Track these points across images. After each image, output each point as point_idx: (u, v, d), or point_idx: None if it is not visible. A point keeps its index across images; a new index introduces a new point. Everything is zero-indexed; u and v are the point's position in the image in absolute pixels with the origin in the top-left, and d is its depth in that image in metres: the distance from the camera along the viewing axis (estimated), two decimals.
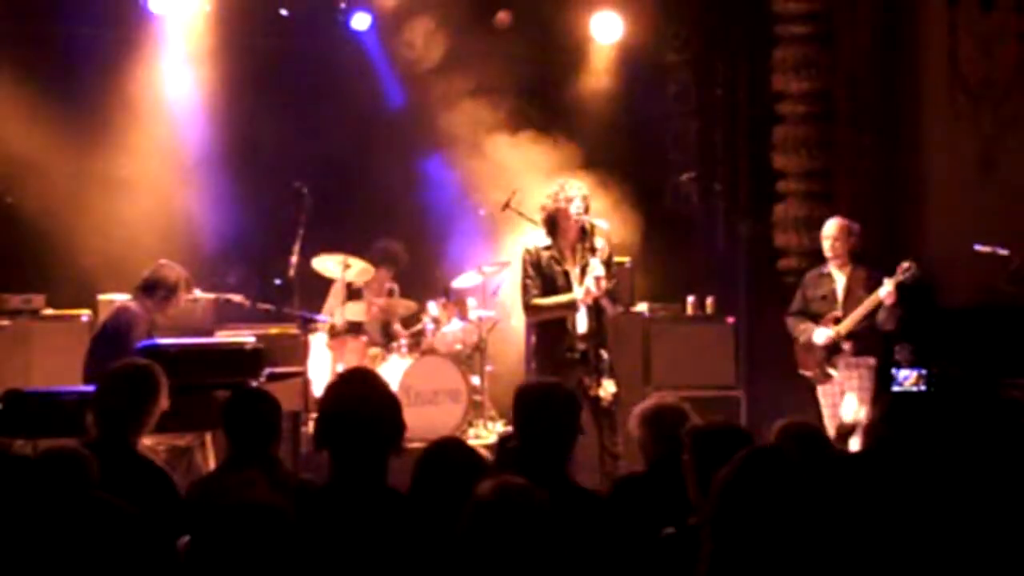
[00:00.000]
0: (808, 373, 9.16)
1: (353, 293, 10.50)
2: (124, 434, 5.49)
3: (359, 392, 4.47)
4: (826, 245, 9.13)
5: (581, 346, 8.11)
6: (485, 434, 10.15)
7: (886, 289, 8.77)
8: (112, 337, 8.33)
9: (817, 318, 9.11)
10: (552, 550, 3.67)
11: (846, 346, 8.94)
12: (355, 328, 10.40)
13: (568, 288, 8.13)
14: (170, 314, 8.60)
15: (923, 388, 8.52)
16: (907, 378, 8.66)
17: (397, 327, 10.59)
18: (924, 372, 8.62)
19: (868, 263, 9.22)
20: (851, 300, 9.02)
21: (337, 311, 10.32)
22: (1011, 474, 5.00)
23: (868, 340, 9.00)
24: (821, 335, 8.99)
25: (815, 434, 5.30)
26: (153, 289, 8.47)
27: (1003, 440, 5.46)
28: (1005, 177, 10.47)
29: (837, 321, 8.99)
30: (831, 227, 9.16)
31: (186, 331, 8.91)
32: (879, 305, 8.84)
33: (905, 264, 8.84)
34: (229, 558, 3.38)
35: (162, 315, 8.53)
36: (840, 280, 9.12)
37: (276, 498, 3.55)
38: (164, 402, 5.71)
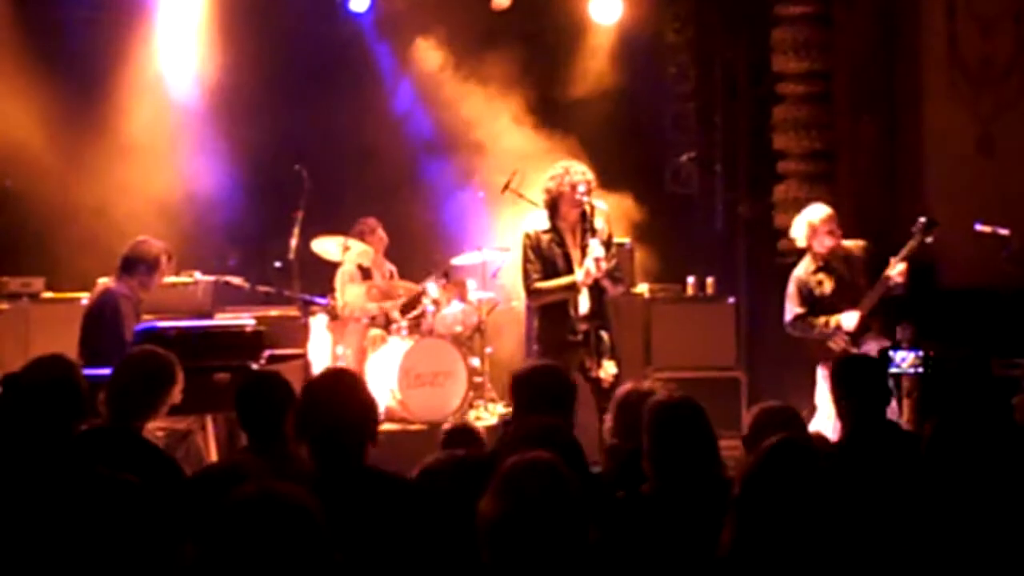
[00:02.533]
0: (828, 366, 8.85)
1: (363, 275, 10.49)
2: (133, 420, 5.49)
3: (330, 395, 4.54)
4: (827, 231, 8.82)
5: (582, 327, 8.10)
6: (486, 416, 10.15)
7: (897, 268, 8.65)
8: (99, 319, 8.33)
9: (826, 313, 8.84)
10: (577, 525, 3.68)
11: (873, 325, 8.80)
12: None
13: (569, 270, 8.12)
14: (153, 289, 8.59)
15: (920, 370, 8.48)
16: (904, 360, 8.62)
17: (395, 311, 10.57)
18: (921, 354, 8.57)
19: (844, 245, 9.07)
20: (856, 287, 8.88)
21: (347, 296, 10.32)
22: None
23: (884, 320, 8.85)
24: (850, 319, 8.73)
25: (793, 417, 5.32)
26: (134, 266, 8.46)
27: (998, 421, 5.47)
28: (1004, 158, 10.46)
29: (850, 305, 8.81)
30: (827, 213, 8.91)
31: (186, 314, 8.90)
32: (888, 284, 8.71)
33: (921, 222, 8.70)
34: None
35: (145, 290, 8.51)
36: (834, 271, 8.90)
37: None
38: (177, 395, 5.72)
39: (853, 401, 5.66)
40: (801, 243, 8.96)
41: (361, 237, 10.47)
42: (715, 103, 11.68)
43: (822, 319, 8.83)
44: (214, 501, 3.52)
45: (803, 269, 8.95)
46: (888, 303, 8.82)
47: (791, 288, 8.96)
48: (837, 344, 8.77)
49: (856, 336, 8.77)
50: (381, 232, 10.66)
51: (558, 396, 5.53)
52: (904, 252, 8.70)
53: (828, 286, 8.87)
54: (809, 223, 8.90)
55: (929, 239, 8.71)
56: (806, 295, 8.89)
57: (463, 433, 6.40)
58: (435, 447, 5.72)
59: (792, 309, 8.93)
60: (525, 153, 10.61)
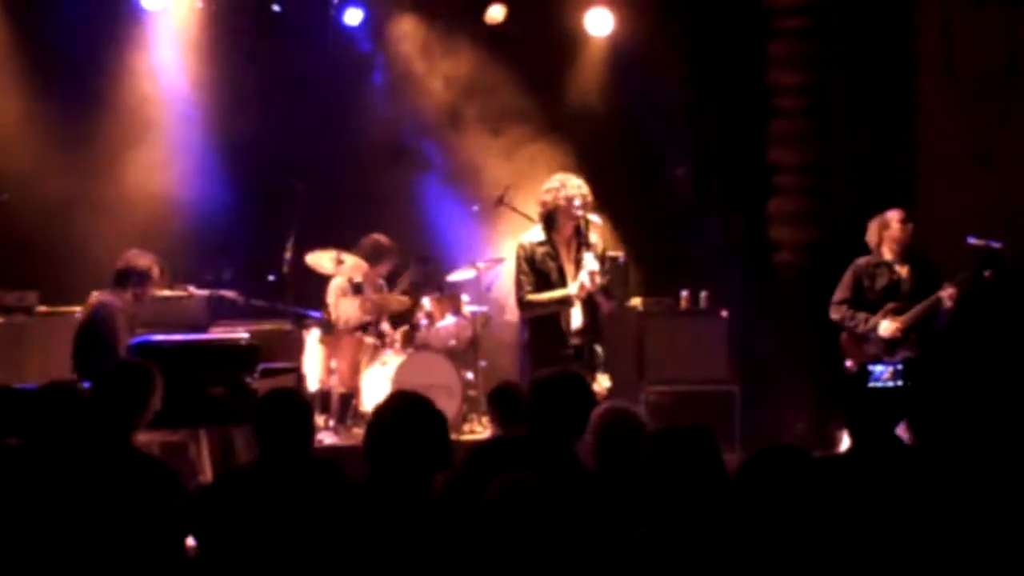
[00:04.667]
0: (856, 364, 8.94)
1: (355, 289, 10.48)
2: (120, 431, 5.48)
3: (406, 416, 4.59)
4: (898, 230, 8.96)
5: (575, 341, 8.10)
6: (479, 429, 10.13)
7: (948, 291, 8.74)
8: (92, 333, 8.34)
9: (871, 307, 9.00)
10: (564, 541, 3.73)
11: (912, 338, 8.87)
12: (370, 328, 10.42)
13: (562, 283, 8.12)
14: (146, 301, 8.59)
15: (899, 383, 8.51)
16: (883, 373, 8.64)
17: (385, 325, 10.56)
18: (899, 367, 8.61)
19: (927, 259, 9.18)
20: (914, 294, 8.96)
21: (342, 307, 10.31)
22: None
23: (921, 336, 8.96)
24: (887, 328, 8.89)
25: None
26: (126, 278, 8.47)
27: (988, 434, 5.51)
28: (1001, 171, 10.47)
29: (895, 312, 8.94)
30: (902, 215, 9.03)
31: (180, 327, 8.90)
32: (937, 306, 8.81)
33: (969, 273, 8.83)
34: None
35: (139, 303, 8.52)
36: (901, 271, 9.04)
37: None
38: (157, 401, 5.70)
39: (857, 414, 5.69)
40: (872, 239, 9.11)
41: (378, 258, 10.45)
42: (710, 116, 11.66)
43: (863, 314, 8.96)
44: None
45: (865, 259, 9.11)
46: (928, 322, 8.89)
47: (846, 273, 9.14)
48: (872, 348, 8.85)
49: (892, 346, 8.84)
50: (394, 255, 10.63)
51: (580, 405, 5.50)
52: (959, 278, 8.79)
53: (880, 283, 8.98)
54: (881, 218, 9.08)
55: (987, 273, 8.80)
56: (854, 283, 9.06)
57: (509, 395, 6.42)
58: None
59: (838, 293, 9.12)
60: (519, 167, 10.62)
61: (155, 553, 4.79)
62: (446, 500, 4.92)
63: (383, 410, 4.66)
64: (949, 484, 4.94)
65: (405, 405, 4.67)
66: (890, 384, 8.39)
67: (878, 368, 8.56)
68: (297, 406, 5.27)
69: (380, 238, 10.57)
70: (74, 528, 4.80)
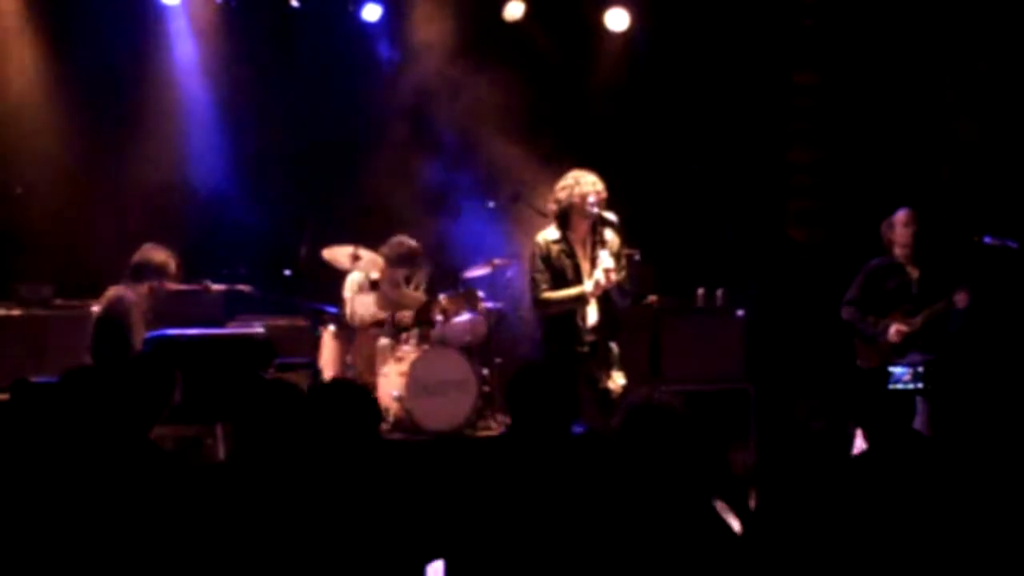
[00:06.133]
0: (868, 365, 9.00)
1: (371, 285, 10.48)
2: (138, 426, 5.49)
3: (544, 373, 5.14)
4: (902, 233, 9.00)
5: (590, 338, 8.08)
6: (494, 426, 10.14)
7: (961, 295, 8.75)
8: (108, 327, 8.36)
9: (881, 309, 9.04)
10: None
11: (920, 341, 8.89)
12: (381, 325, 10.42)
13: (578, 281, 8.10)
14: (162, 295, 8.60)
15: (919, 385, 8.50)
16: (903, 374, 8.63)
17: (401, 321, 10.57)
18: (920, 369, 8.60)
19: (940, 260, 9.19)
20: (925, 294, 8.97)
21: (360, 305, 10.31)
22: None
23: (932, 338, 8.98)
24: (897, 332, 8.93)
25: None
26: (142, 273, 8.50)
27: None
28: (1018, 171, 10.45)
29: (907, 313, 8.94)
30: (906, 217, 9.04)
31: (197, 322, 8.92)
32: (950, 307, 8.82)
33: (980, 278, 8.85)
34: None
35: (155, 297, 8.54)
36: (912, 273, 9.06)
37: None
38: (177, 396, 5.72)
39: (874, 416, 5.69)
40: (884, 240, 9.13)
41: (403, 262, 10.44)
42: (727, 114, 11.65)
43: (872, 317, 9.01)
44: None
45: (877, 260, 9.17)
46: (942, 324, 8.90)
47: (859, 273, 9.21)
48: (883, 349, 8.84)
49: (900, 348, 8.85)
50: (419, 261, 10.62)
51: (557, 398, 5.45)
52: (972, 282, 8.80)
53: (890, 285, 9.05)
54: (889, 220, 9.11)
55: (999, 273, 8.82)
56: (866, 283, 9.13)
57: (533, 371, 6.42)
58: (439, 458, 5.73)
59: (849, 292, 9.19)
60: (536, 163, 10.62)
61: (160, 549, 4.80)
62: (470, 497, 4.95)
63: (523, 371, 5.23)
64: (968, 486, 4.94)
65: (538, 366, 5.33)
66: (911, 386, 8.40)
67: (898, 370, 8.56)
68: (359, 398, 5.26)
69: (410, 243, 10.52)
70: (86, 522, 4.81)
